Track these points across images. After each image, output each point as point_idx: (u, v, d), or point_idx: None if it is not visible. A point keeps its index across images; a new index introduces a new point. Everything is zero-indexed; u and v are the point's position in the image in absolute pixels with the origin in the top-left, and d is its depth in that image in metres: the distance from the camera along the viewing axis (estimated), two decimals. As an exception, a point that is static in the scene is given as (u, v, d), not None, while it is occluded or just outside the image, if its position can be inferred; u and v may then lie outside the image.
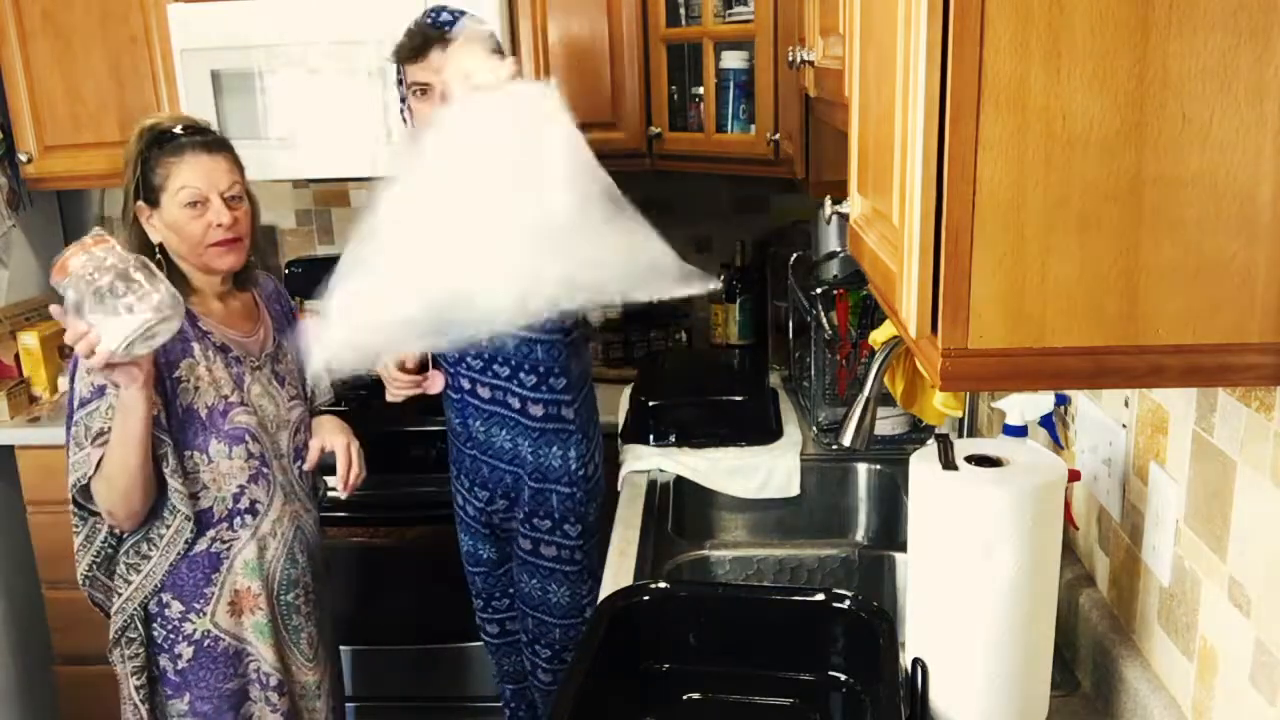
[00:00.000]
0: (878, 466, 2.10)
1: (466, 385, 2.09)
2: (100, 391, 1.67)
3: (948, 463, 1.16)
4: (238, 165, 1.79)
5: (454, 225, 1.55)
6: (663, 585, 1.54)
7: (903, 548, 1.51)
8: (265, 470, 1.81)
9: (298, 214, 3.09)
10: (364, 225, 1.55)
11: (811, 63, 1.71)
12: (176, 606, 1.77)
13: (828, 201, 1.22)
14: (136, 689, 1.79)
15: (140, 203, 1.74)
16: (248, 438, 1.78)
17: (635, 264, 1.57)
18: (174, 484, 1.71)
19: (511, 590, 2.27)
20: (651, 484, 2.07)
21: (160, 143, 1.73)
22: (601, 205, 1.55)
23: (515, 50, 2.48)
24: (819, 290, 2.16)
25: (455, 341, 1.71)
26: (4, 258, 2.78)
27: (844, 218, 1.18)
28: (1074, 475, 1.31)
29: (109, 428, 1.65)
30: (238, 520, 1.79)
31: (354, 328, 1.56)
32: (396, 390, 2.10)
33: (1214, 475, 1.04)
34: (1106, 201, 0.77)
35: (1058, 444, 1.50)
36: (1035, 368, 0.81)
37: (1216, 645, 1.05)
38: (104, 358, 1.51)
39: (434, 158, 1.59)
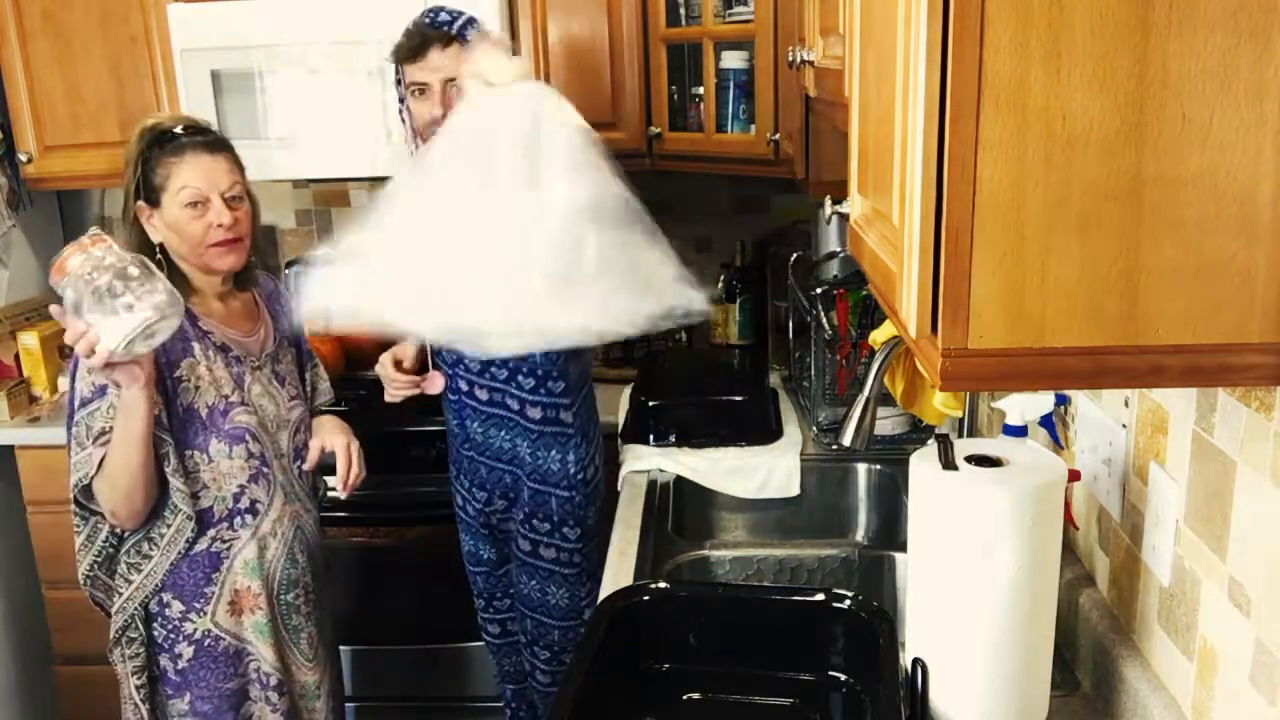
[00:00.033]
0: (878, 466, 2.10)
1: (464, 387, 2.09)
2: (101, 391, 1.67)
3: (948, 463, 1.16)
4: (238, 165, 1.79)
5: (465, 235, 1.59)
6: (663, 585, 1.54)
7: (903, 548, 1.51)
8: (265, 470, 1.81)
9: (298, 214, 3.09)
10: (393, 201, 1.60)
11: (811, 63, 1.71)
12: (177, 606, 1.78)
13: (828, 201, 1.22)
14: (137, 689, 1.79)
15: (141, 203, 1.74)
16: (248, 437, 1.78)
17: (637, 307, 1.62)
18: (175, 483, 1.71)
19: (512, 591, 2.27)
20: (651, 484, 2.06)
21: (161, 143, 1.73)
22: (612, 233, 1.59)
23: (515, 50, 2.48)
24: (819, 290, 2.16)
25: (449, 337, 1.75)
26: (4, 258, 2.78)
27: (844, 218, 1.18)
28: (1074, 475, 1.31)
29: (110, 427, 1.65)
30: (238, 520, 1.79)
31: (360, 275, 1.59)
32: (395, 390, 2.11)
33: (1214, 475, 1.04)
34: (1106, 201, 0.77)
35: (1058, 444, 1.49)
36: (1035, 368, 0.81)
37: (1216, 645, 1.05)
38: (104, 357, 1.51)
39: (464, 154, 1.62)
